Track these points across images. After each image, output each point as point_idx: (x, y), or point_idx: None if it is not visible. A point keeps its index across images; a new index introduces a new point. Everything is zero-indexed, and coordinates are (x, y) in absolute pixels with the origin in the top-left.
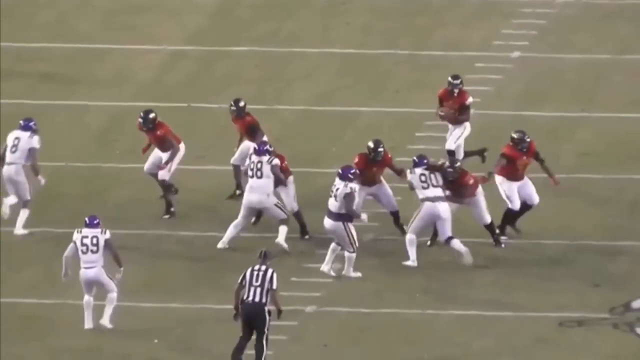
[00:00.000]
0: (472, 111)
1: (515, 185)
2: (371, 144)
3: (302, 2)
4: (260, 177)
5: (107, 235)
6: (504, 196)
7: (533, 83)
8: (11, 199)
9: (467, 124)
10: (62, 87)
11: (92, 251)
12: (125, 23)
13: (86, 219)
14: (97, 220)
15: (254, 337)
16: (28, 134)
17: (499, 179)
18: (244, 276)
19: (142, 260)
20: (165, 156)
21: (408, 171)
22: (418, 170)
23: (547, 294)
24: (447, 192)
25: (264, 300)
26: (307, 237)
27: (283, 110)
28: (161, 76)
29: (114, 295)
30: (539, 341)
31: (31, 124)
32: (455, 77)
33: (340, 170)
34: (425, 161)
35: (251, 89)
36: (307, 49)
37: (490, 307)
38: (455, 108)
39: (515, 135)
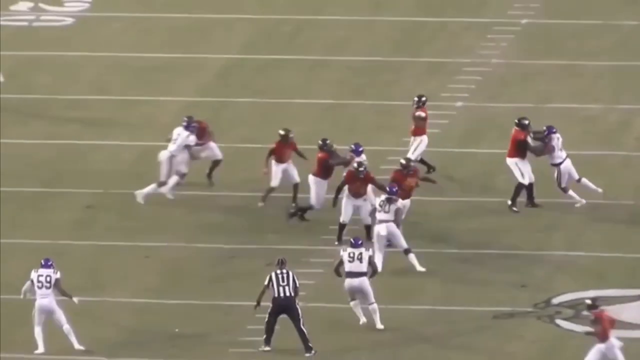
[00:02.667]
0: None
1: (527, 162)
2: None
3: (290, 63)
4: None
5: (58, 275)
6: (518, 174)
7: (472, 126)
8: (175, 178)
9: (423, 138)
10: (102, 130)
11: (45, 287)
12: (151, 79)
13: (42, 261)
14: (51, 262)
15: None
16: (187, 132)
17: (513, 160)
18: (270, 279)
19: (165, 266)
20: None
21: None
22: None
23: (485, 293)
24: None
25: (293, 294)
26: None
27: None
28: (178, 122)
29: (67, 326)
30: (479, 329)
31: (192, 124)
32: (418, 96)
33: (352, 240)
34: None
35: (249, 131)
36: (294, 99)
37: (440, 302)
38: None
39: (523, 121)
